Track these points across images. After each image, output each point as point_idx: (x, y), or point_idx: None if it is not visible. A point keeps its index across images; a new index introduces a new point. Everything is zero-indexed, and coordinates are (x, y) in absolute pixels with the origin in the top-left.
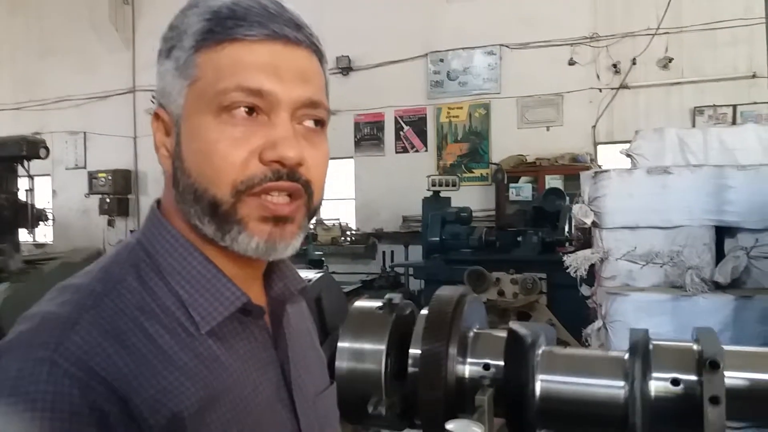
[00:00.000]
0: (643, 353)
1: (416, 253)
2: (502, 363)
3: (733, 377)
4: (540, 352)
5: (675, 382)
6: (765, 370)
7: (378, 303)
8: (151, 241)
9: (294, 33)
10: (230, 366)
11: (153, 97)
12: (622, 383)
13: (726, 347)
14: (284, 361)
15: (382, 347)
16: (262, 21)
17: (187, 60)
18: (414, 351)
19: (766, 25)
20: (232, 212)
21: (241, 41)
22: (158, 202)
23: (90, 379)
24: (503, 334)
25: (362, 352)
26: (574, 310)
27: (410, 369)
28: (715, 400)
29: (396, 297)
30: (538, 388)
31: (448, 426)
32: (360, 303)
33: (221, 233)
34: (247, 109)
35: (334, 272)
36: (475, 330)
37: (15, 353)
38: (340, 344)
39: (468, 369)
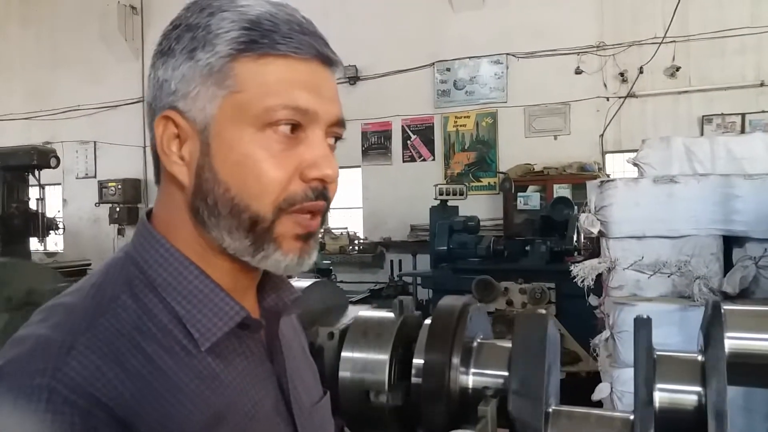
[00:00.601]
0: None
1: (424, 262)
2: (506, 373)
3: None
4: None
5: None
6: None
7: (381, 313)
8: (142, 255)
9: (329, 52)
10: (230, 383)
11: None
12: None
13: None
14: (281, 374)
15: (386, 357)
16: (304, 39)
17: (223, 68)
18: (417, 361)
19: None
20: (270, 230)
21: (286, 57)
22: (147, 214)
23: (91, 405)
24: (508, 344)
25: (365, 361)
26: (582, 320)
27: (413, 379)
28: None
29: (406, 299)
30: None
31: None
32: (364, 312)
33: (254, 249)
34: (291, 126)
35: (341, 281)
36: (479, 340)
37: (10, 380)
38: (344, 354)
39: (471, 379)
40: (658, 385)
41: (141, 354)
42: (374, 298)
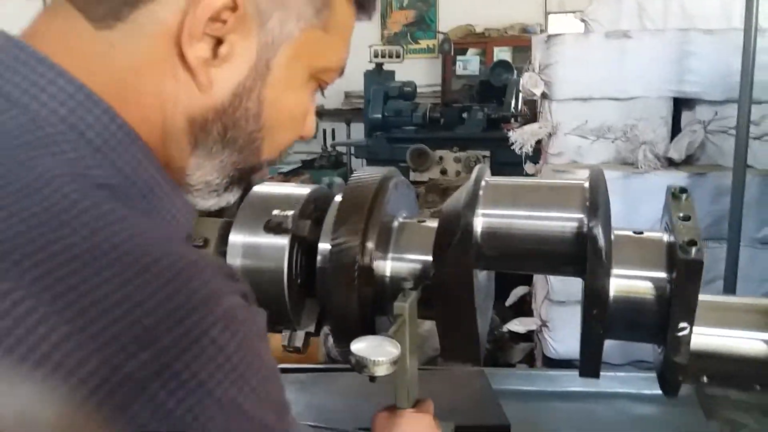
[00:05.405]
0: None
1: (359, 130)
2: (430, 258)
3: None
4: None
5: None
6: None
7: (281, 188)
8: (88, 135)
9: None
10: None
11: None
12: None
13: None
14: None
15: (285, 242)
16: None
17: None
18: (323, 245)
19: None
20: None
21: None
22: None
23: None
24: (435, 224)
25: (260, 247)
26: None
27: (319, 267)
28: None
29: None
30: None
31: (353, 347)
32: (260, 188)
33: (217, 191)
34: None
35: None
36: (400, 219)
37: None
38: (232, 237)
39: (390, 265)
40: (615, 271)
41: None
42: (306, 168)
